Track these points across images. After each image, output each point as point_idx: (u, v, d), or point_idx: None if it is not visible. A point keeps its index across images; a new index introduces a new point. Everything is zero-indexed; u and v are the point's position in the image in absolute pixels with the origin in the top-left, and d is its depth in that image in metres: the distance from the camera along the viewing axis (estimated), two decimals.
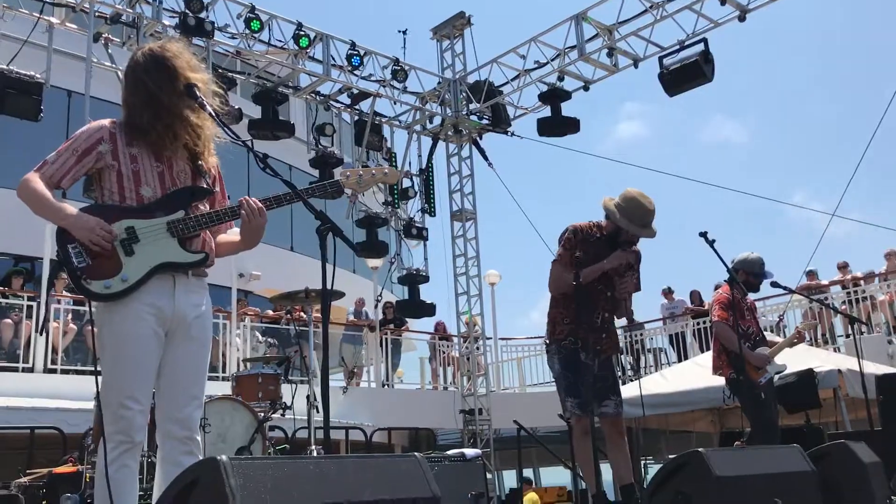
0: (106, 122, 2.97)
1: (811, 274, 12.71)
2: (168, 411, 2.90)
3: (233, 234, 3.14)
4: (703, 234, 4.92)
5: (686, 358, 12.77)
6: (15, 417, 8.45)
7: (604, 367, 4.70)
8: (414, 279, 11.82)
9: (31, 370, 9.63)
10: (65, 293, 10.07)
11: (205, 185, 3.03)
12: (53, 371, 9.79)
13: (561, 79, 11.06)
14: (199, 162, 3.02)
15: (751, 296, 6.50)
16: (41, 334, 9.56)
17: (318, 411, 6.28)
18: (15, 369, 9.63)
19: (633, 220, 4.58)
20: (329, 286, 2.96)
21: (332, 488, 2.05)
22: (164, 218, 2.90)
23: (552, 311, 4.77)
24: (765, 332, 6.77)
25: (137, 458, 2.86)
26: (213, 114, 2.93)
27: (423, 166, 12.19)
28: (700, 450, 3.40)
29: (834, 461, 3.97)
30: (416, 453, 2.39)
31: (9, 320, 9.92)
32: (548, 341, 4.79)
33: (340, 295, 6.30)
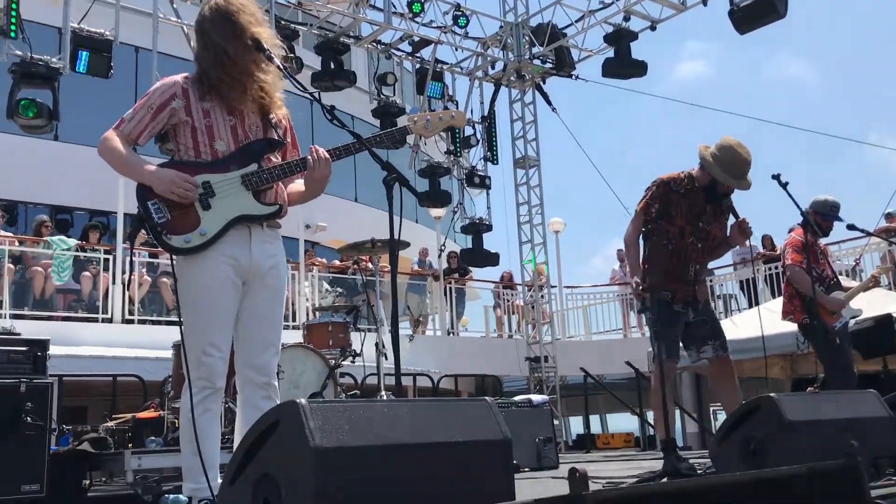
0: (178, 77, 3.01)
1: (890, 216, 12.24)
2: (247, 358, 2.99)
3: (299, 183, 3.18)
4: (776, 177, 4.78)
5: (757, 304, 12.53)
6: (98, 366, 8.83)
7: (701, 314, 4.65)
8: (477, 228, 11.83)
9: (111, 321, 10.01)
10: (140, 247, 10.39)
11: (276, 137, 3.07)
12: (131, 322, 10.17)
13: (627, 19, 10.79)
14: (270, 114, 3.05)
15: (826, 240, 6.32)
16: (128, 288, 9.92)
17: (386, 358, 6.40)
18: (95, 320, 10.03)
19: (728, 170, 4.44)
20: (396, 235, 3.00)
21: (405, 430, 2.09)
22: (239, 171, 2.95)
23: (647, 261, 4.69)
24: (840, 277, 6.59)
25: (219, 403, 2.99)
26: (280, 66, 2.95)
27: (486, 113, 12.09)
28: (772, 394, 3.35)
29: None
30: (486, 397, 2.42)
31: (87, 273, 10.29)
32: (642, 287, 4.73)
33: (406, 245, 6.36)
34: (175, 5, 9.52)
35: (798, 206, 4.93)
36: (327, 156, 3.00)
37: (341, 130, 2.99)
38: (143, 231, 3.02)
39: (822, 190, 6.19)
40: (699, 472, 4.19)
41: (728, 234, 4.69)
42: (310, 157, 2.97)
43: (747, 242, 14.42)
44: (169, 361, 5.74)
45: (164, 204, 2.89)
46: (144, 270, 10.62)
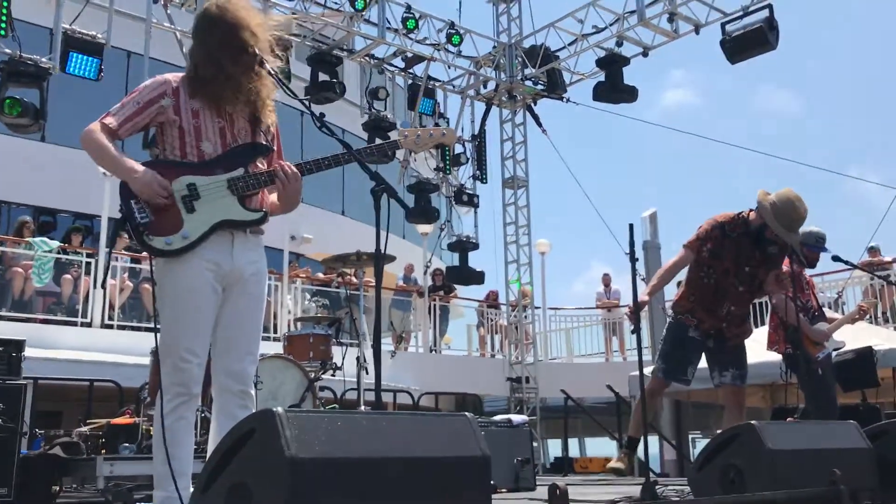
0: (170, 76, 2.99)
1: (873, 250, 12.33)
2: (224, 365, 2.95)
3: (275, 196, 3.15)
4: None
5: None
6: (75, 370, 8.71)
7: (725, 342, 4.76)
8: (464, 246, 11.82)
9: (90, 325, 9.91)
10: (123, 251, 10.30)
11: (264, 143, 3.04)
12: (110, 326, 10.06)
13: (619, 44, 10.86)
14: (259, 119, 3.03)
15: (809, 271, 6.34)
16: (101, 287, 9.81)
17: (367, 372, 6.35)
18: (74, 324, 9.91)
19: (781, 221, 4.54)
20: (383, 246, 2.97)
21: (384, 443, 2.06)
22: (225, 175, 2.92)
23: (684, 286, 4.89)
24: (823, 309, 6.60)
25: (194, 410, 2.94)
26: (273, 73, 2.93)
27: (476, 132, 12.12)
28: (752, 422, 3.34)
29: (892, 439, 3.87)
30: (467, 413, 2.39)
31: (68, 276, 10.19)
32: (672, 312, 4.94)
33: (391, 259, 6.32)
34: (168, 11, 9.51)
35: (785, 238, 4.94)
36: (296, 171, 2.96)
37: (331, 140, 2.97)
38: (125, 234, 2.97)
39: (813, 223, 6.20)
40: (677, 498, 4.17)
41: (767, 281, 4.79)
42: (276, 176, 2.93)
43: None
44: (146, 368, 5.67)
45: (148, 203, 2.85)
46: (126, 276, 10.53)
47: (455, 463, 2.20)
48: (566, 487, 1.15)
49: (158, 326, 2.89)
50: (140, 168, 2.86)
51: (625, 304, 13.14)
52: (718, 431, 4.50)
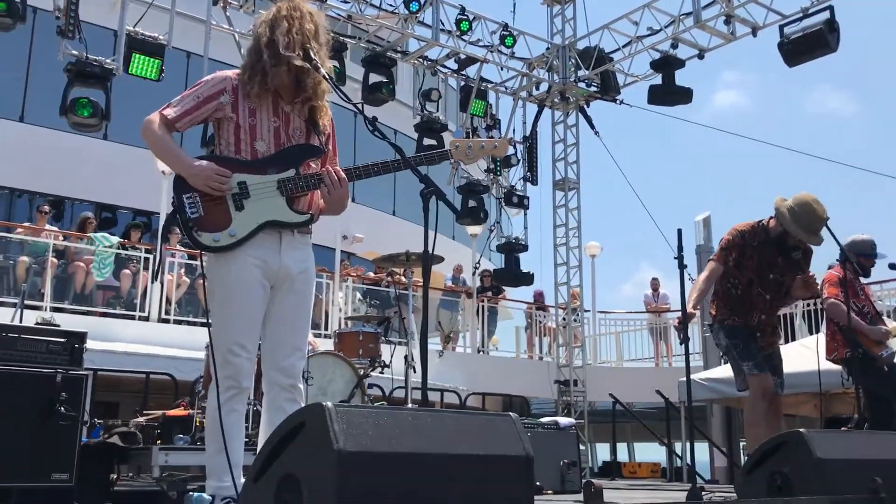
0: (230, 73, 3.06)
1: None
2: (273, 360, 3.02)
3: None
4: None
5: (794, 340, 12.34)
6: (132, 362, 8.96)
7: (765, 350, 4.78)
8: (513, 248, 11.82)
9: (147, 319, 10.18)
10: (179, 247, 10.56)
11: (318, 144, 3.10)
12: (167, 321, 10.32)
13: (675, 46, 10.76)
14: (316, 119, 3.08)
15: (867, 280, 6.21)
16: (153, 282, 10.08)
17: (415, 371, 6.41)
18: (132, 318, 10.20)
19: (802, 225, 4.56)
20: (431, 248, 3.01)
21: (429, 439, 2.11)
22: (276, 175, 2.98)
23: (716, 297, 4.89)
24: (883, 318, 6.45)
25: (245, 403, 3.02)
26: (327, 76, 2.99)
27: (527, 133, 12.11)
28: (801, 430, 3.30)
29: None
30: (511, 413, 2.43)
31: (127, 271, 10.48)
32: (712, 322, 4.94)
33: (440, 259, 6.39)
34: (228, 13, 9.71)
35: (839, 244, 4.88)
36: (343, 177, 3.00)
37: (382, 143, 3.02)
38: (177, 229, 3.06)
39: (862, 227, 6.09)
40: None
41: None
42: (323, 182, 2.99)
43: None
44: (201, 362, 5.82)
45: (199, 199, 2.93)
46: (183, 271, 10.79)
47: (498, 461, 2.23)
48: (601, 486, 1.18)
49: (210, 321, 2.98)
50: (199, 163, 2.95)
51: (675, 310, 12.99)
52: (743, 442, 4.54)
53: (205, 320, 10.14)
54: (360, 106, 2.96)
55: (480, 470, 2.19)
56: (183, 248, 10.57)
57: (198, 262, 10.19)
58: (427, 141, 10.33)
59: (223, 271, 2.95)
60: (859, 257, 5.95)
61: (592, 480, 1.10)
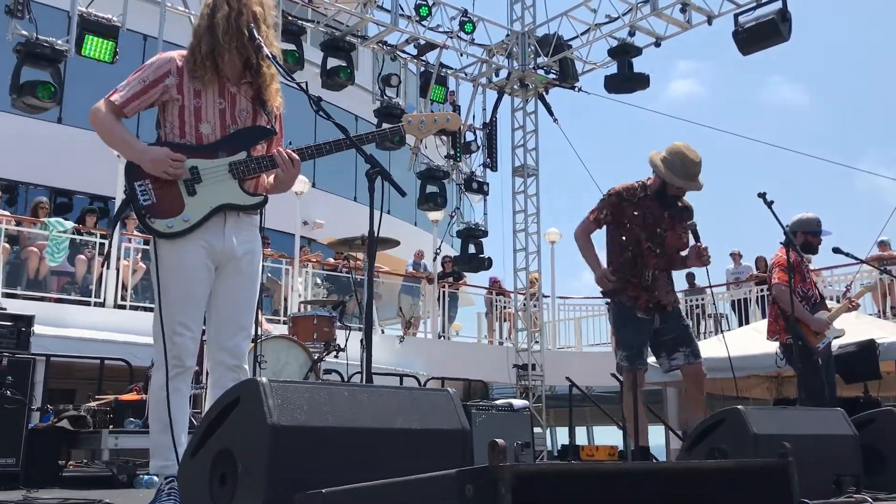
0: (175, 54, 3.04)
1: (883, 244, 12.31)
2: (218, 340, 3.03)
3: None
4: (762, 195, 4.83)
5: (748, 324, 12.59)
6: (87, 348, 8.87)
7: (668, 320, 4.68)
8: (473, 233, 11.86)
9: (103, 305, 10.07)
10: (136, 233, 10.45)
11: (266, 125, 3.10)
12: (123, 307, 10.23)
13: (632, 34, 10.84)
14: (264, 100, 3.07)
15: (819, 265, 6.37)
16: (105, 268, 9.96)
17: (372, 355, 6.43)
18: (87, 303, 10.08)
19: (677, 172, 4.57)
20: (377, 229, 3.04)
21: (365, 414, 2.14)
22: (227, 159, 2.98)
23: (610, 267, 4.78)
24: (829, 302, 6.62)
25: (188, 383, 3.02)
26: (272, 56, 2.98)
27: (487, 120, 12.14)
28: (738, 407, 3.40)
29: (879, 427, 3.91)
30: (449, 388, 2.47)
31: (82, 256, 10.35)
32: (604, 293, 4.84)
33: (395, 243, 6.39)
34: None
35: (781, 225, 4.99)
36: (296, 157, 3.02)
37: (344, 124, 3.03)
38: (133, 215, 3.05)
39: (823, 216, 6.23)
40: None
41: (687, 254, 4.77)
42: (276, 161, 2.99)
43: (739, 264, 14.49)
44: None
45: (151, 186, 2.93)
46: (139, 257, 10.68)
47: (435, 436, 2.27)
48: (504, 443, 1.22)
49: (158, 302, 2.98)
50: (150, 147, 2.94)
51: None
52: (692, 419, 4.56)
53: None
54: (304, 86, 2.96)
55: (417, 444, 2.22)
56: (139, 234, 10.46)
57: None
58: (386, 126, 10.30)
59: (168, 253, 2.95)
60: (806, 235, 6.09)
61: (497, 440, 1.13)
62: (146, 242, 10.51)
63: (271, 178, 3.14)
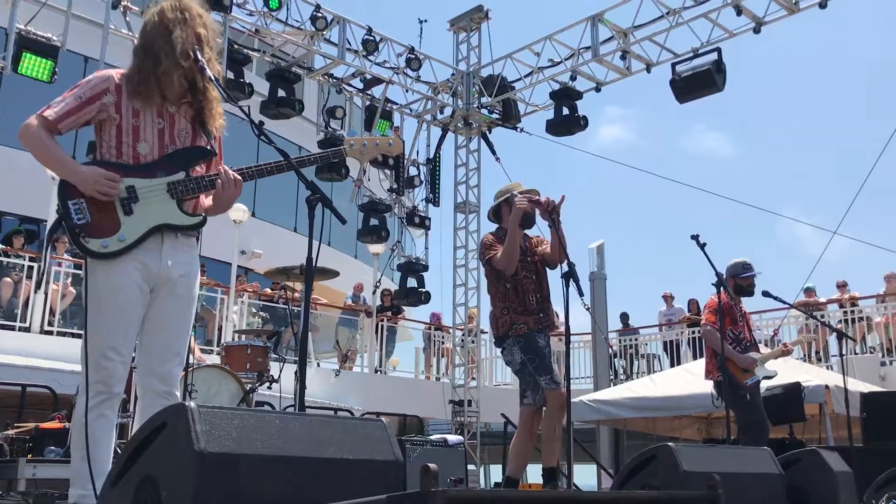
0: (114, 72, 3.00)
1: (809, 291, 12.73)
2: (149, 366, 2.95)
3: (207, 199, 3.17)
4: (695, 238, 4.97)
5: (679, 365, 12.82)
6: (8, 374, 8.54)
7: (547, 346, 4.97)
8: (413, 267, 11.87)
9: (28, 330, 9.73)
10: (66, 256, 10.16)
11: (206, 146, 3.06)
12: (50, 333, 9.89)
13: (574, 78, 11.08)
14: (205, 122, 3.04)
15: (748, 308, 6.57)
16: (36, 291, 9.65)
17: (306, 387, 6.34)
18: (12, 328, 9.73)
19: (509, 192, 4.96)
20: (315, 256, 3.03)
21: (296, 443, 2.10)
22: (165, 178, 2.93)
23: (492, 311, 5.08)
24: (760, 346, 6.81)
25: (115, 410, 2.92)
26: (214, 79, 2.97)
27: (431, 156, 12.23)
28: (669, 444, 3.44)
29: (804, 467, 4.01)
30: (382, 419, 2.45)
31: (8, 279, 10.02)
32: (499, 339, 5.02)
33: (334, 274, 6.37)
34: (128, 18, 9.47)
35: (713, 267, 5.13)
36: (238, 177, 3.00)
37: (286, 150, 3.02)
38: (65, 236, 2.97)
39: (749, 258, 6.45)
40: None
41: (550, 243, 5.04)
42: (219, 178, 2.97)
43: (671, 305, 14.72)
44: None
45: (86, 205, 2.85)
46: (69, 281, 10.38)
47: (368, 466, 2.25)
48: (436, 468, 1.22)
49: (86, 324, 2.89)
50: (85, 167, 2.87)
51: (578, 333, 13.25)
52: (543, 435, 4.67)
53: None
54: (246, 110, 2.94)
55: (348, 474, 2.19)
56: (70, 258, 10.18)
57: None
58: (329, 149, 10.28)
59: (101, 274, 2.87)
60: (735, 278, 6.29)
61: (429, 464, 1.13)
62: (77, 266, 10.22)
63: (209, 200, 3.11)
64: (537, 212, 4.81)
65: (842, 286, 12.88)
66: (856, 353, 11.88)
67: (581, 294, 4.30)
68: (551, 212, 4.70)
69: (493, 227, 5.18)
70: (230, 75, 9.41)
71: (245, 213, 12.10)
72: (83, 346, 2.85)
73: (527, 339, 4.83)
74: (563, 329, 4.58)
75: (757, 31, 9.73)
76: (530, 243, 5.10)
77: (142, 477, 2.03)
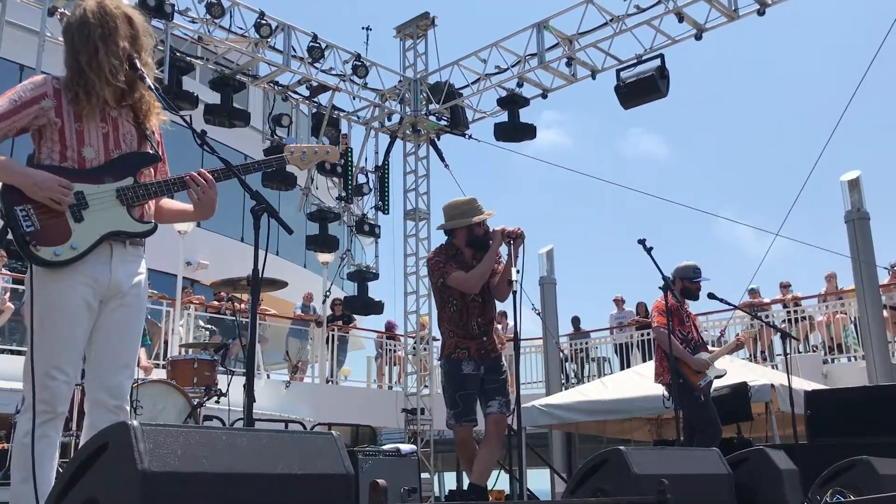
0: (50, 76, 2.90)
1: (753, 292, 13.00)
2: (99, 379, 2.86)
3: (171, 202, 3.11)
4: (642, 242, 5.03)
5: (629, 367, 12.96)
6: None
7: (491, 371, 4.92)
8: (364, 276, 11.80)
9: None
10: (3, 270, 9.86)
11: (151, 150, 3.00)
12: None
13: (520, 85, 11.16)
14: (145, 125, 2.98)
15: (695, 310, 6.68)
16: None
17: (255, 400, 6.24)
18: None
19: (456, 214, 4.92)
20: (262, 268, 2.97)
21: (244, 459, 2.05)
22: (114, 184, 2.85)
23: (441, 332, 5.09)
24: (707, 346, 6.93)
25: (59, 430, 2.82)
26: (153, 87, 2.90)
27: (380, 163, 12.19)
28: (620, 448, 3.47)
29: (751, 466, 4.08)
30: (332, 432, 2.41)
31: None
32: (440, 358, 5.12)
33: (282, 284, 6.28)
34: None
35: (660, 270, 5.19)
36: (211, 178, 2.95)
37: (230, 159, 2.97)
38: (1, 249, 2.87)
39: (679, 259, 6.58)
40: None
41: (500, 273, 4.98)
42: (195, 182, 2.92)
43: (621, 309, 14.89)
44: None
45: (34, 211, 2.73)
46: (7, 296, 10.06)
47: (318, 481, 2.20)
48: (385, 483, 1.19)
49: (31, 339, 2.78)
50: (34, 171, 2.75)
51: (528, 338, 13.29)
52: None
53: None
54: (188, 119, 2.88)
55: (298, 490, 2.15)
56: (7, 272, 9.87)
57: (24, 287, 9.60)
58: (271, 157, 10.17)
59: (48, 289, 2.75)
60: (684, 281, 6.40)
61: (378, 480, 1.10)
62: (16, 281, 9.92)
63: (175, 204, 3.07)
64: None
65: (785, 286, 13.19)
66: (799, 353, 12.17)
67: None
68: (515, 240, 4.69)
69: (442, 235, 5.12)
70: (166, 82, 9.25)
71: (190, 224, 11.89)
72: (27, 364, 2.74)
73: (451, 365, 4.87)
74: (512, 335, 4.60)
75: (698, 37, 9.92)
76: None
77: (83, 499, 1.96)
